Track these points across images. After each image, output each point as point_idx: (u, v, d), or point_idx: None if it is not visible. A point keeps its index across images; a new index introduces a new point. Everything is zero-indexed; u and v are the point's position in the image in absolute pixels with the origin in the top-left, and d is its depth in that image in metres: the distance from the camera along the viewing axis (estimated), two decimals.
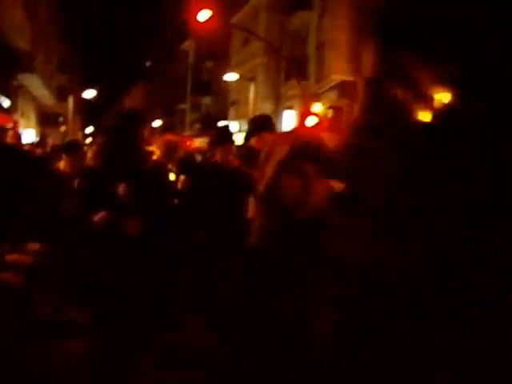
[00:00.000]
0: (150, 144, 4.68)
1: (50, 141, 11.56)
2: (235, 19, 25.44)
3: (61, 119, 30.38)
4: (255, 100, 22.72)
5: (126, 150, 3.33)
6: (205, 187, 4.70)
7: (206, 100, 33.55)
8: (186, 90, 37.67)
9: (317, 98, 19.33)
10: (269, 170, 3.25)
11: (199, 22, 13.41)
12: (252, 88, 22.29)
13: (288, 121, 22.31)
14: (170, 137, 5.55)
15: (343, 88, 18.89)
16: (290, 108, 22.32)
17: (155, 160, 4.55)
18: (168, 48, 41.68)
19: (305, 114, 15.85)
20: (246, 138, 3.74)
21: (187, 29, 34.48)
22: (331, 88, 19.31)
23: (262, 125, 3.66)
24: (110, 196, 3.21)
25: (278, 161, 3.21)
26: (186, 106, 38.69)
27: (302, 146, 3.27)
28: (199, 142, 34.90)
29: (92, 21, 74.32)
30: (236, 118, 26.83)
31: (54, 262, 3.65)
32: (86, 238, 3.30)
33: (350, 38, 18.21)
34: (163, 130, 42.17)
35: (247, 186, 3.86)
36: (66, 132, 29.77)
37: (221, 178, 4.63)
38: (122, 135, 3.37)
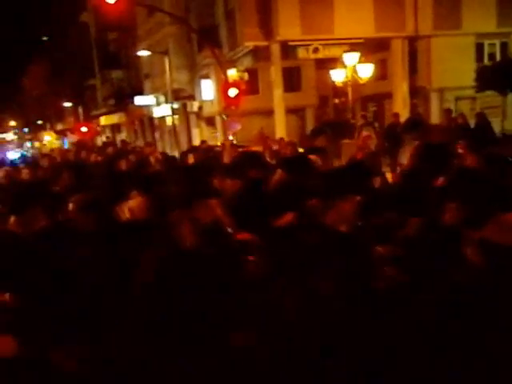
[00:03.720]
0: None
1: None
2: None
3: None
4: (170, 71, 22.41)
5: None
6: None
7: (117, 73, 32.41)
8: (93, 64, 36.02)
9: (232, 64, 19.44)
10: None
11: None
12: (166, 60, 21.92)
13: (206, 90, 22.31)
14: None
15: (256, 53, 19.16)
16: (206, 77, 22.28)
17: None
18: (65, 20, 39.28)
19: (225, 86, 16.05)
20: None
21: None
22: (245, 54, 19.49)
23: None
24: None
25: None
26: (95, 82, 37.11)
27: None
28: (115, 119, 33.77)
29: None
30: (152, 92, 26.30)
31: None
32: None
33: (259, 2, 18.36)
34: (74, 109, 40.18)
35: None
36: None
37: None
38: None
